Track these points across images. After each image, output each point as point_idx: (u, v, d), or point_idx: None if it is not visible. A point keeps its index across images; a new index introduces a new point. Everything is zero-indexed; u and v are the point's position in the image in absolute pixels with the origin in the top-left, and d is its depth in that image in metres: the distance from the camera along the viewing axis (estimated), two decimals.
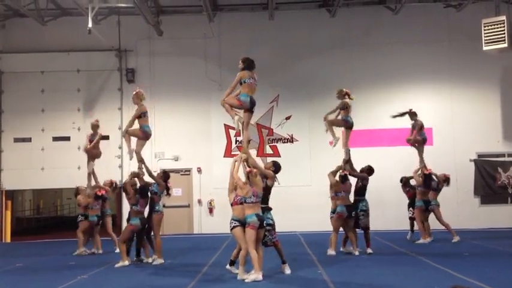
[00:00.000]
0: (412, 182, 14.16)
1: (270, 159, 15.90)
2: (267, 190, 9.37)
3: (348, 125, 12.16)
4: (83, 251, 13.04)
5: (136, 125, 11.52)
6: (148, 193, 11.37)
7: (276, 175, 9.75)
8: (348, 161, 12.18)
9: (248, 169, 9.18)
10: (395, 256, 11.62)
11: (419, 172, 13.64)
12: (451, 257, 11.11)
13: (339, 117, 12.21)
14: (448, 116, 17.73)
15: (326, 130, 12.33)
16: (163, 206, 15.21)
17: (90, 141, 13.17)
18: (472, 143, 17.55)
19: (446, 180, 14.03)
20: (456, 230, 13.99)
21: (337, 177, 12.11)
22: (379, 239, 14.08)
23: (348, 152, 12.20)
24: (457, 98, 17.78)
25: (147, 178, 11.54)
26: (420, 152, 13.69)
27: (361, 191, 12.21)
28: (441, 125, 17.58)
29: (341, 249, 12.11)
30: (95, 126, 13.41)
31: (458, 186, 17.31)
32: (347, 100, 12.13)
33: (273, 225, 9.35)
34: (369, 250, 11.84)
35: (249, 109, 9.53)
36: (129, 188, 11.29)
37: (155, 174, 11.88)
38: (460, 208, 17.23)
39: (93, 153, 13.23)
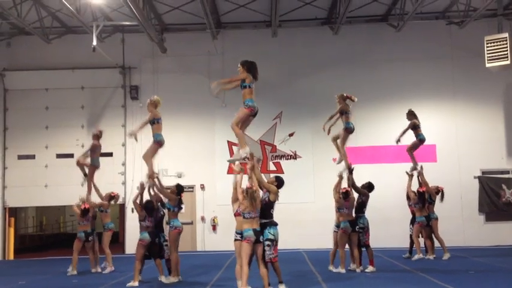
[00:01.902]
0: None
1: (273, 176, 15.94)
2: (269, 205, 9.23)
3: (349, 131, 12.16)
4: (72, 271, 12.70)
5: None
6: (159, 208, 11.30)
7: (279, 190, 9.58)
8: (351, 172, 12.14)
9: (248, 185, 9.10)
10: (400, 274, 11.52)
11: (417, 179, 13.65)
12: (457, 275, 11.01)
13: (340, 120, 12.24)
14: (451, 132, 17.71)
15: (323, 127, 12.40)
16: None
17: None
18: (476, 160, 17.50)
19: (438, 192, 13.98)
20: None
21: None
22: (383, 256, 13.98)
23: (348, 163, 12.15)
24: (460, 115, 17.78)
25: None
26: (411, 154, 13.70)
27: (360, 207, 12.16)
28: (445, 142, 17.57)
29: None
30: (93, 136, 13.42)
31: (463, 203, 17.26)
32: (346, 106, 12.11)
33: (273, 241, 9.06)
34: (371, 268, 11.75)
35: (254, 115, 9.36)
36: (136, 204, 11.21)
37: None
38: (465, 225, 17.15)
39: (84, 164, 13.26)
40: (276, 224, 9.22)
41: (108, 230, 13.11)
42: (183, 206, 11.50)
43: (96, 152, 13.24)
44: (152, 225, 11.02)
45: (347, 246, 11.99)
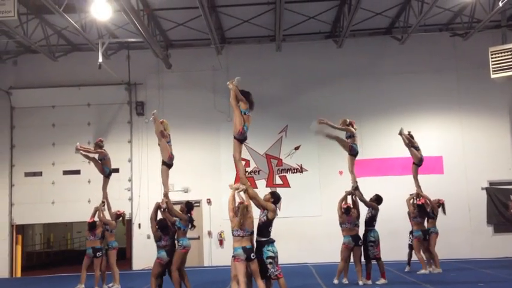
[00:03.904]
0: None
1: (279, 190, 15.93)
2: (267, 223, 9.08)
3: (353, 153, 12.33)
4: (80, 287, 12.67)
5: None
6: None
7: (277, 205, 9.36)
8: (357, 188, 12.20)
9: (239, 201, 9.03)
10: (409, 286, 11.44)
11: (412, 201, 13.62)
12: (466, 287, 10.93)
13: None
14: (458, 144, 17.68)
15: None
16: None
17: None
18: (483, 171, 17.43)
19: (440, 205, 13.90)
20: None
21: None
22: (391, 269, 13.87)
23: (355, 179, 12.24)
24: (466, 126, 17.75)
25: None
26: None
27: (370, 221, 12.15)
28: (451, 154, 17.53)
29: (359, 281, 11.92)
30: (94, 146, 13.50)
31: (471, 215, 17.15)
32: (352, 129, 12.28)
33: (274, 258, 8.94)
34: (382, 280, 11.70)
35: (241, 140, 9.34)
36: (152, 223, 11.07)
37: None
38: (473, 237, 17.03)
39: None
40: (273, 241, 9.07)
41: (113, 249, 13.07)
42: (195, 224, 11.27)
43: (106, 160, 13.30)
44: (169, 243, 10.82)
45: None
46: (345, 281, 11.94)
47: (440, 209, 13.86)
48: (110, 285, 12.87)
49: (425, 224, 13.55)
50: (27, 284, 15.74)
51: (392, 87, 17.89)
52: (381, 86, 17.93)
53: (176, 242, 10.96)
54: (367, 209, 12.30)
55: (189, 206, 11.12)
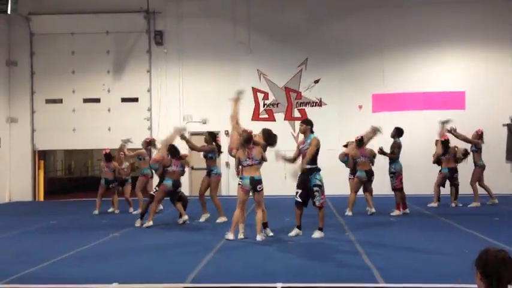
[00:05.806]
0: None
1: (298, 123, 15.88)
2: (315, 152, 9.27)
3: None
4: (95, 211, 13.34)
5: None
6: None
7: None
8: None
9: (242, 130, 9.32)
10: (424, 219, 11.59)
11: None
12: (481, 222, 10.99)
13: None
14: (481, 79, 17.29)
15: None
16: (192, 168, 15.43)
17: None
18: (505, 108, 17.12)
19: (480, 136, 13.72)
20: (488, 195, 13.86)
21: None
22: (408, 203, 13.98)
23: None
24: (492, 62, 17.28)
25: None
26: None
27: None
28: (475, 89, 17.19)
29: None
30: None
31: (490, 151, 16.96)
32: None
33: (321, 186, 9.19)
34: (397, 212, 11.94)
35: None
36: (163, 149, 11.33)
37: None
38: (491, 173, 16.88)
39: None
40: (319, 170, 9.30)
41: (143, 175, 13.20)
42: (222, 151, 12.01)
43: (146, 161, 13.25)
44: (178, 171, 11.14)
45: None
46: (347, 212, 12.17)
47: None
48: (134, 213, 13.05)
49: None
50: (50, 207, 16.22)
51: (417, 18, 17.33)
52: (405, 16, 17.40)
53: (210, 171, 11.60)
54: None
55: (213, 136, 11.57)
